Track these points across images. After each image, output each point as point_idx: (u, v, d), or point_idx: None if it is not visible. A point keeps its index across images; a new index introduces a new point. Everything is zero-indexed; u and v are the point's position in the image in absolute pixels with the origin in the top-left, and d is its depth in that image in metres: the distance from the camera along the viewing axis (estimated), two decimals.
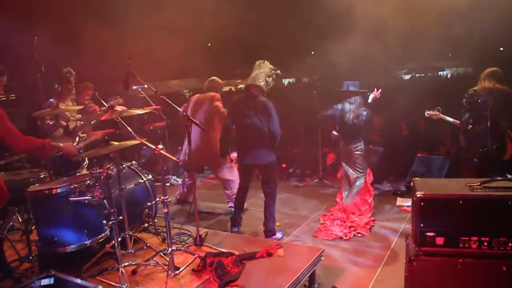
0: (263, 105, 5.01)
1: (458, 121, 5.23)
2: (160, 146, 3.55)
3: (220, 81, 6.11)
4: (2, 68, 3.68)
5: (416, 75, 22.71)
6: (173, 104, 4.34)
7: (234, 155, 9.52)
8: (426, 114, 5.64)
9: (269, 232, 5.18)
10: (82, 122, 4.98)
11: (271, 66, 5.20)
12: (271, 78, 5.14)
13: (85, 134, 5.14)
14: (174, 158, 3.71)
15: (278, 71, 5.24)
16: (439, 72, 23.75)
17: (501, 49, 16.82)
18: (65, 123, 4.81)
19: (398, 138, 8.46)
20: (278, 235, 5.25)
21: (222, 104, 5.75)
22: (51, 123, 4.92)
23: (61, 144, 3.89)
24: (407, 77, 22.97)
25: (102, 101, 4.32)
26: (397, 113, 8.62)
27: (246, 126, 5.09)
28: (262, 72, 5.09)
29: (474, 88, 4.90)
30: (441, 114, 5.47)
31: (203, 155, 5.69)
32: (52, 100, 4.86)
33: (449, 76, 22.77)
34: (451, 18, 7.16)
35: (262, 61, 5.21)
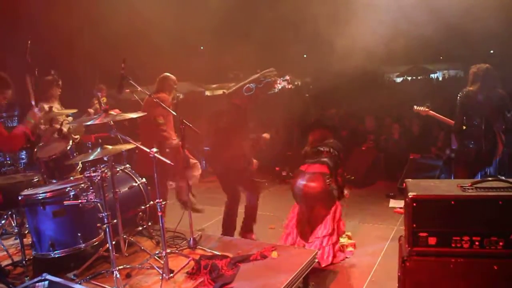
0: (233, 108, 4.83)
1: (448, 119, 5.21)
2: (154, 150, 3.55)
3: (173, 78, 5.10)
4: (8, 81, 3.63)
5: (408, 78, 22.89)
6: (167, 108, 4.37)
7: None
8: (414, 110, 5.51)
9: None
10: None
11: (262, 72, 4.93)
12: (253, 84, 4.84)
13: (78, 136, 5.13)
14: (168, 161, 3.70)
15: (266, 78, 4.86)
16: (431, 75, 23.97)
17: (491, 51, 17.01)
18: (58, 126, 4.80)
19: (391, 140, 8.54)
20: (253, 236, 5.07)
21: (208, 107, 5.42)
22: (43, 127, 4.91)
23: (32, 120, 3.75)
24: (399, 80, 23.19)
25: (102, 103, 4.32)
26: (390, 115, 8.67)
27: (218, 137, 4.96)
28: (241, 83, 4.86)
29: (468, 89, 4.90)
30: (430, 111, 5.35)
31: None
32: (44, 105, 4.87)
33: (440, 79, 22.98)
34: (443, 21, 7.24)
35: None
